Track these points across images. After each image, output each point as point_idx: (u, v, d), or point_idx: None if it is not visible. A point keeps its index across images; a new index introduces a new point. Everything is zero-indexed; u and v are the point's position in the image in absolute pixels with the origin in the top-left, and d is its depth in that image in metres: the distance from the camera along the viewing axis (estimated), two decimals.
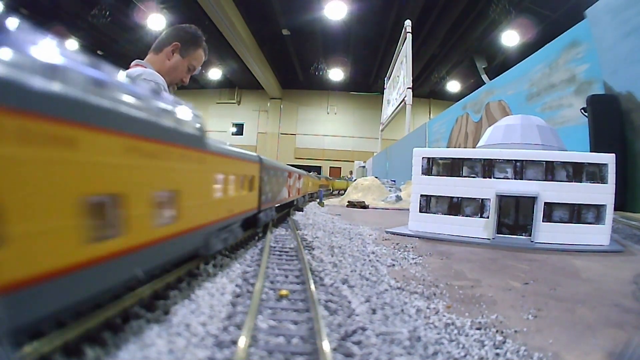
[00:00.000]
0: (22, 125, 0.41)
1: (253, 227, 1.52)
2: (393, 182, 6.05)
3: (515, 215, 1.91)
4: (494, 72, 12.51)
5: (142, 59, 2.02)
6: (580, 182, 1.81)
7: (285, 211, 2.47)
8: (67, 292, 0.48)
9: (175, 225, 0.75)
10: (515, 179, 1.86)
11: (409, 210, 2.12)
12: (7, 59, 0.41)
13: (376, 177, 5.47)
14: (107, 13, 12.28)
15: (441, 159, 2.06)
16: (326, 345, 0.57)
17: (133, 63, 1.94)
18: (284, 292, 0.84)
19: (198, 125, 0.87)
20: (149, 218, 0.65)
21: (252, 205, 1.41)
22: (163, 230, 0.70)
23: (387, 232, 2.06)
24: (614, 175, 1.78)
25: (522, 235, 1.84)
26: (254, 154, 1.53)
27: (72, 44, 15.24)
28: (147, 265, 0.66)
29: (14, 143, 0.40)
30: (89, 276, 0.51)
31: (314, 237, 1.66)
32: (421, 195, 2.06)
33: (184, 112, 0.81)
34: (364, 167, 14.20)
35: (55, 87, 0.46)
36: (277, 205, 1.96)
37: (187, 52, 2.00)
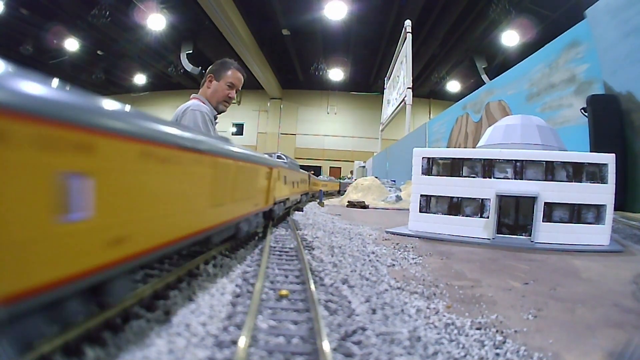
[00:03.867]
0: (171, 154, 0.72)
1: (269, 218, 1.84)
2: (393, 182, 6.05)
3: (515, 215, 1.91)
4: (494, 72, 12.51)
5: (197, 90, 2.67)
6: (580, 182, 1.81)
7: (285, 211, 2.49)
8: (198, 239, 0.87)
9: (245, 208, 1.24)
10: (515, 179, 1.86)
11: (409, 210, 2.12)
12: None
13: (376, 177, 5.47)
14: (107, 13, 12.27)
15: (441, 159, 2.06)
16: (326, 345, 0.57)
17: (191, 96, 2.62)
18: (284, 292, 0.84)
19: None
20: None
21: (271, 201, 1.77)
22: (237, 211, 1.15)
23: (387, 232, 2.06)
24: (614, 175, 1.78)
25: (522, 235, 1.84)
26: (271, 158, 1.93)
27: (72, 43, 15.23)
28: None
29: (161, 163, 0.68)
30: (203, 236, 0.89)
31: (314, 237, 1.66)
32: (421, 195, 2.06)
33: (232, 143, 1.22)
34: (364, 167, 14.20)
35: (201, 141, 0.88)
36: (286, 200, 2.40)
37: (220, 75, 2.53)
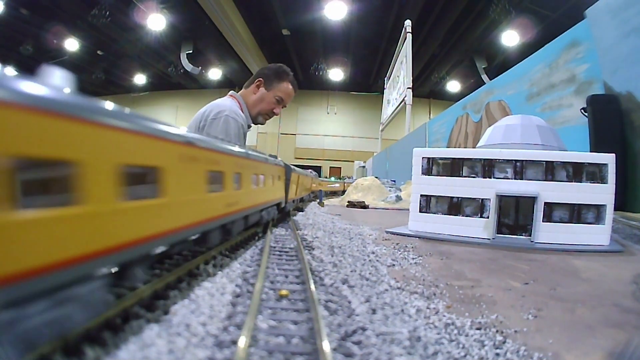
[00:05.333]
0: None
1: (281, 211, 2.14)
2: (393, 182, 6.04)
3: (515, 215, 1.91)
4: (494, 72, 12.52)
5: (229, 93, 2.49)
6: (580, 182, 1.81)
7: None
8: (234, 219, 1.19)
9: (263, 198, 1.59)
10: (515, 179, 1.86)
11: (409, 210, 2.12)
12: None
13: (376, 177, 5.47)
14: (107, 13, 12.27)
15: (441, 159, 2.06)
16: (326, 345, 0.57)
17: (229, 93, 2.35)
18: (284, 292, 0.84)
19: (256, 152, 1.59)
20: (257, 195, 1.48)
21: (282, 195, 2.11)
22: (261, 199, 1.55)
23: (387, 232, 2.06)
24: (614, 175, 1.78)
25: (522, 235, 1.84)
26: (286, 163, 2.27)
27: (72, 43, 15.23)
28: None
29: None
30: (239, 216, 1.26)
31: (314, 237, 1.66)
32: (421, 195, 2.06)
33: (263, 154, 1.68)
34: (364, 167, 14.19)
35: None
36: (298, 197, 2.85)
37: (271, 85, 2.35)
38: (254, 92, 2.31)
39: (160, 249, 0.72)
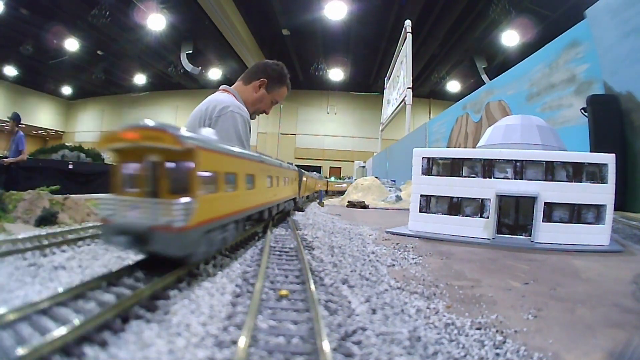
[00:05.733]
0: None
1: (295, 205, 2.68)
2: (393, 182, 6.05)
3: (515, 215, 1.90)
4: (494, 72, 12.52)
5: (230, 85, 2.35)
6: (580, 182, 1.81)
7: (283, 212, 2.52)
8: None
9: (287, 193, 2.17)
10: (515, 179, 1.86)
11: (409, 210, 2.11)
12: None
13: (376, 177, 5.47)
14: (107, 13, 12.27)
15: (441, 159, 2.06)
16: (326, 345, 0.57)
17: (222, 88, 2.18)
18: (284, 292, 0.84)
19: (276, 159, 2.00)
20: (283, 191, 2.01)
21: (296, 193, 2.66)
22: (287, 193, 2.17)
23: (387, 232, 2.06)
24: (614, 175, 1.78)
25: (522, 235, 1.83)
26: (299, 169, 2.92)
27: (72, 43, 15.23)
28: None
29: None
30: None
31: (314, 237, 1.66)
32: (421, 195, 2.06)
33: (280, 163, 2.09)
34: (364, 167, 14.19)
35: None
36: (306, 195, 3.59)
37: (273, 88, 2.31)
38: (255, 90, 2.27)
39: (255, 215, 1.45)
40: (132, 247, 0.81)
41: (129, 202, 0.81)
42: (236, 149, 1.16)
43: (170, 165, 0.80)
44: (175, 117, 20.53)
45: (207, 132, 1.00)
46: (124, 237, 0.80)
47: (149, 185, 0.81)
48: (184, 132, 0.80)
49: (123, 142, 0.78)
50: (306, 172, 3.47)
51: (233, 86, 2.33)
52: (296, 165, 3.19)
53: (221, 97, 2.16)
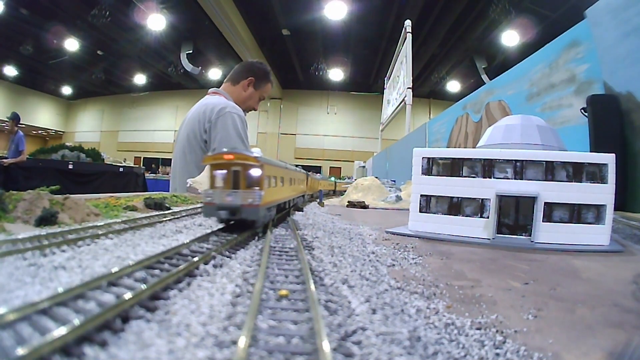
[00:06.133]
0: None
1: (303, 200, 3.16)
2: (393, 182, 6.04)
3: (515, 215, 1.90)
4: (494, 72, 12.52)
5: (218, 87, 2.59)
6: (580, 182, 1.81)
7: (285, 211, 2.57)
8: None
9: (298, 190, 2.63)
10: (515, 179, 1.86)
11: (409, 210, 2.11)
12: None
13: (376, 177, 5.47)
14: (107, 13, 12.26)
15: (441, 159, 2.06)
16: (326, 345, 0.57)
17: (211, 91, 2.33)
18: (283, 292, 0.84)
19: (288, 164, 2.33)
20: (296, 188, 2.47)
21: (304, 190, 3.11)
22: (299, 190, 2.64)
23: (387, 232, 2.05)
24: (614, 175, 1.78)
25: (522, 235, 1.83)
26: (306, 171, 3.42)
27: (72, 43, 15.23)
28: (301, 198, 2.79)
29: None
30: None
31: (314, 237, 1.66)
32: (421, 195, 2.06)
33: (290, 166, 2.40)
34: (364, 167, 14.19)
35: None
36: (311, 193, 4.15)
37: (260, 85, 2.51)
38: (243, 89, 2.40)
39: (283, 204, 1.91)
40: (228, 216, 1.34)
41: (227, 192, 1.33)
42: (276, 161, 1.67)
43: (248, 172, 1.34)
44: (175, 117, 20.52)
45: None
46: (223, 211, 1.33)
47: (233, 183, 1.34)
48: (256, 154, 1.34)
49: (222, 160, 1.32)
50: (311, 173, 4.01)
51: (221, 88, 2.42)
52: (296, 165, 3.26)
53: (214, 100, 2.27)
